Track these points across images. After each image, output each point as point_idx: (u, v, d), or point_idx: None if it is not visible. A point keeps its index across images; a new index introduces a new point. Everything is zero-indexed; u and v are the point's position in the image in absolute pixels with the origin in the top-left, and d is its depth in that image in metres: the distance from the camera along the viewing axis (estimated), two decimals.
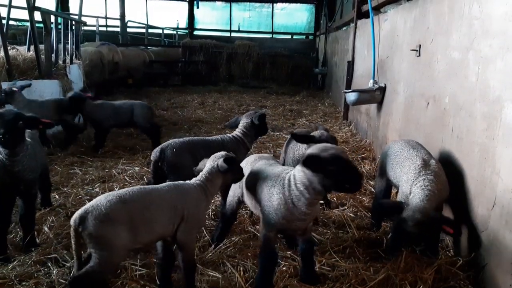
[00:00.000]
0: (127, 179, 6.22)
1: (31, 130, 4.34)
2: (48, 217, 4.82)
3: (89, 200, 5.29)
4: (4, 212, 3.99)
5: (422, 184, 3.77)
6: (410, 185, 3.89)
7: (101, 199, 3.06)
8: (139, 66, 16.55)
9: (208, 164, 3.55)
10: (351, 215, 5.11)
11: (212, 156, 3.59)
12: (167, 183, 3.49)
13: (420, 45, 5.58)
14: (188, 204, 3.32)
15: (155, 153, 4.92)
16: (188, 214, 3.30)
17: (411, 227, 3.59)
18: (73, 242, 3.07)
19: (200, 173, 3.54)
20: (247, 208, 4.94)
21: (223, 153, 3.59)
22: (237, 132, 5.33)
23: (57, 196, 5.49)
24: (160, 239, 3.40)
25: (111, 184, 5.99)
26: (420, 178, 3.84)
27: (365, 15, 9.19)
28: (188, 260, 3.39)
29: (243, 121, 5.34)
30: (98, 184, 6.00)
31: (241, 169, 3.63)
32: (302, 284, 3.58)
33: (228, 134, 5.34)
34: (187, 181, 3.50)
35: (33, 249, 4.11)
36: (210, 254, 4.08)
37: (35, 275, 3.70)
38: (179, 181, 3.51)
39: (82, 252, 3.14)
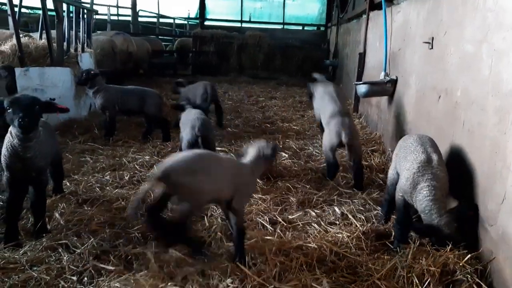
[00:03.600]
0: (137, 167, 6.27)
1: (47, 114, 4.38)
2: (59, 204, 4.88)
3: (100, 188, 5.41)
4: (16, 198, 4.05)
5: (427, 189, 3.84)
6: (411, 184, 3.95)
7: (178, 157, 3.54)
8: (145, 56, 16.52)
9: (253, 151, 3.98)
10: (361, 208, 5.12)
11: (257, 144, 4.06)
12: (226, 155, 4.07)
13: (433, 38, 5.52)
14: (242, 178, 3.80)
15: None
16: (240, 186, 3.75)
17: (454, 237, 3.76)
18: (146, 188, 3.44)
19: (248, 157, 3.98)
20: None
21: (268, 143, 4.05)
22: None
23: (68, 184, 5.55)
24: (221, 199, 3.76)
25: (121, 172, 6.05)
26: (423, 183, 3.89)
27: (378, 6, 9.10)
28: (239, 224, 3.80)
29: None
30: (109, 172, 6.06)
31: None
32: (311, 275, 3.60)
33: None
34: (243, 160, 4.00)
35: (44, 235, 4.17)
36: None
37: (46, 261, 3.77)
38: (234, 158, 4.23)
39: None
